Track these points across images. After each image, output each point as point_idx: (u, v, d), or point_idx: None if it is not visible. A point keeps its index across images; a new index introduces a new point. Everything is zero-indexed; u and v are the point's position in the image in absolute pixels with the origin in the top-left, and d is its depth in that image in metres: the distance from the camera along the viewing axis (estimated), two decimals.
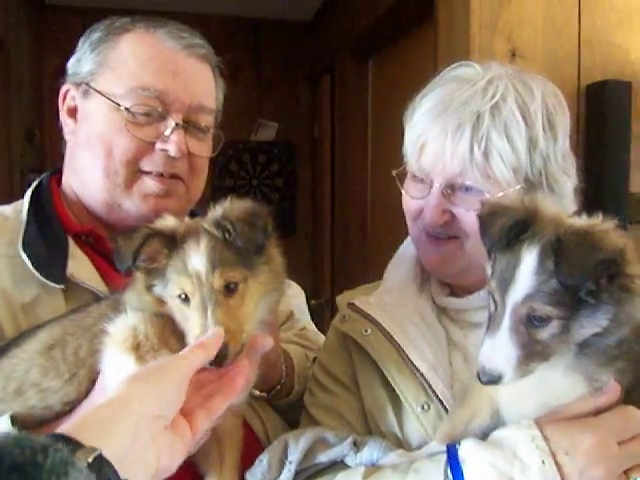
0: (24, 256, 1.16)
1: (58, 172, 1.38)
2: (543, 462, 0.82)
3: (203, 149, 1.32)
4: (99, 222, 1.30)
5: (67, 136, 1.33)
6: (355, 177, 3.86)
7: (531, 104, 1.07)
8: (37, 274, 1.15)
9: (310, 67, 4.77)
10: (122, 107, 1.22)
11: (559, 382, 0.88)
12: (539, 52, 2.31)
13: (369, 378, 1.14)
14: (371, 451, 1.00)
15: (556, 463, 0.83)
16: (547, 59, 2.32)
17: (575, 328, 0.81)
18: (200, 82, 1.31)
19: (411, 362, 1.08)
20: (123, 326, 0.96)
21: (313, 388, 1.22)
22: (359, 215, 3.81)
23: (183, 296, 0.91)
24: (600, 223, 0.85)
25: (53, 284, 1.15)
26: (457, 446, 0.92)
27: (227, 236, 0.92)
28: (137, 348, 0.92)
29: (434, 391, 1.06)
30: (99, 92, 1.25)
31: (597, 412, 0.87)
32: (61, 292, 1.17)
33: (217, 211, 0.97)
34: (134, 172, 1.24)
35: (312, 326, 1.59)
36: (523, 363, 0.82)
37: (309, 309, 1.67)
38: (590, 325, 0.82)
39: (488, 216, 0.90)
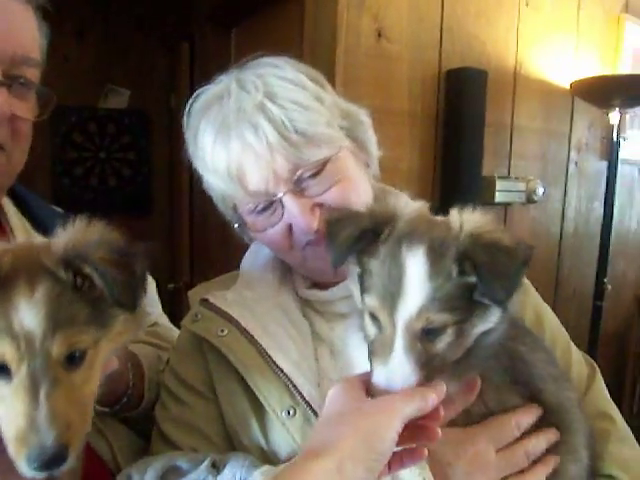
0: None
1: None
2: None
3: (28, 110, 1.09)
4: None
5: None
6: None
7: (289, 74, 1.03)
8: None
9: (168, 33, 4.42)
10: None
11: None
12: (404, 35, 2.33)
13: (228, 384, 1.02)
14: (233, 471, 0.88)
15: (438, 475, 0.80)
16: (411, 42, 2.35)
17: (468, 330, 0.75)
18: (23, 28, 1.06)
19: (274, 363, 0.98)
20: None
21: (165, 400, 1.07)
22: None
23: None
24: (487, 223, 0.77)
25: None
26: None
27: (79, 282, 0.66)
28: None
29: (300, 392, 0.97)
30: None
31: (463, 412, 0.84)
32: None
33: (65, 240, 0.68)
34: None
35: (164, 319, 1.42)
36: (424, 383, 0.73)
37: (167, 294, 1.49)
38: (481, 323, 0.76)
39: (334, 225, 0.82)
